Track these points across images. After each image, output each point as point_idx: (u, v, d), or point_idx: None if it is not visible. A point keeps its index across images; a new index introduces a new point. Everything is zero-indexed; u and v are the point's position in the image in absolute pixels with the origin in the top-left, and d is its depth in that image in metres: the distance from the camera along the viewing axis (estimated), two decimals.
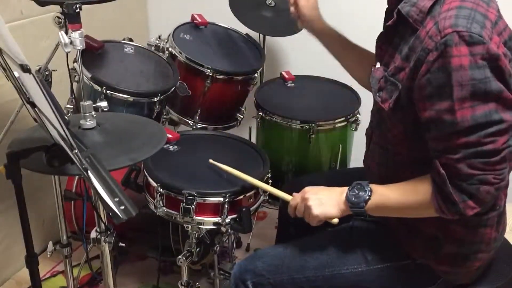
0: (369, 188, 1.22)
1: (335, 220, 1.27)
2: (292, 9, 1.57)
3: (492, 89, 1.04)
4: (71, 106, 1.70)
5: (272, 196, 1.72)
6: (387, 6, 1.28)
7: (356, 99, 2.06)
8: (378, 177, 1.33)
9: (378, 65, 1.28)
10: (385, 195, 1.21)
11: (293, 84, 2.21)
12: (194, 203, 1.49)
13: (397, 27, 1.20)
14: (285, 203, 1.73)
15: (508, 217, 1.89)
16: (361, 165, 1.49)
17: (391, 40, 1.23)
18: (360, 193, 1.22)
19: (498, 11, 1.14)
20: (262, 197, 1.66)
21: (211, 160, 1.59)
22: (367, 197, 1.21)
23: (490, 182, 1.08)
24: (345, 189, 1.26)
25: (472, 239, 1.24)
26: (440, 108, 1.07)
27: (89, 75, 1.67)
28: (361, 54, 1.55)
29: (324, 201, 1.26)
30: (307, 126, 1.94)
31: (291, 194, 1.37)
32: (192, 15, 2.13)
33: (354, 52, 1.57)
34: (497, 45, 1.05)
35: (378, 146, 1.34)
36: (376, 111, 1.31)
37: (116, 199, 0.89)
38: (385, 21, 1.28)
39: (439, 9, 1.10)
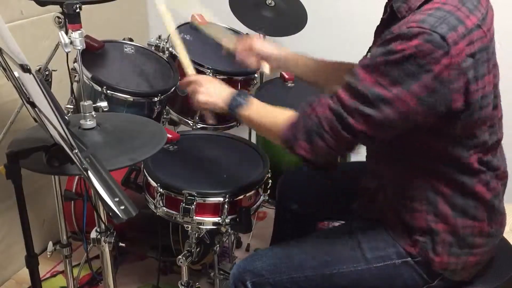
0: (246, 98, 1.33)
1: (210, 118, 1.52)
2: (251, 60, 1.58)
3: (404, 84, 1.06)
4: (71, 106, 1.70)
5: (271, 196, 1.73)
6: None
7: None
8: (371, 171, 1.36)
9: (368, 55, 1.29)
10: (254, 110, 1.32)
11: (293, 84, 2.21)
12: (194, 203, 1.49)
13: (389, 22, 1.22)
14: (280, 202, 1.74)
15: (508, 217, 1.90)
16: (362, 159, 1.48)
17: (382, 33, 1.24)
18: (239, 99, 1.34)
19: (482, 20, 1.13)
20: (262, 197, 1.66)
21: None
22: (241, 103, 1.33)
23: (327, 143, 1.16)
24: (233, 91, 1.38)
25: (464, 231, 1.24)
26: (363, 62, 1.13)
27: (89, 75, 1.67)
28: (340, 68, 1.56)
29: (212, 93, 1.39)
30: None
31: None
32: (192, 15, 2.13)
33: (341, 72, 1.58)
34: (458, 52, 1.06)
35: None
36: None
37: (116, 199, 0.89)
38: (383, 15, 1.29)
39: (423, 7, 1.12)
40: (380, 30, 1.28)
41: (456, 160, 1.19)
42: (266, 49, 1.57)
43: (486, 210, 1.25)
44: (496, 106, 1.22)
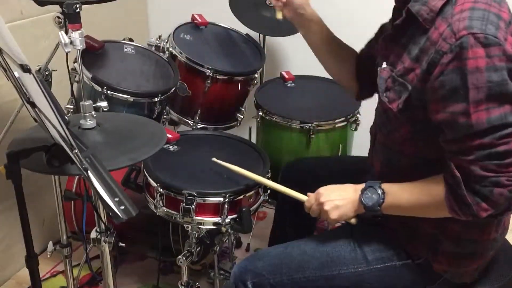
0: (381, 191, 1.22)
1: (353, 221, 1.30)
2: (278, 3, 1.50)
3: (508, 91, 1.04)
4: (71, 106, 1.70)
5: (271, 196, 1.72)
6: (394, 4, 1.26)
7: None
8: (381, 176, 1.33)
9: (384, 65, 1.26)
10: (398, 196, 1.22)
11: (293, 84, 2.21)
12: (194, 203, 1.49)
13: (405, 27, 1.19)
14: (282, 203, 1.74)
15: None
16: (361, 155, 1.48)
17: (399, 39, 1.21)
18: (374, 196, 1.23)
19: (509, 10, 1.13)
20: (262, 197, 1.66)
21: (214, 159, 1.58)
22: (381, 200, 1.22)
23: (503, 184, 1.07)
24: (358, 188, 1.27)
25: (470, 239, 1.24)
26: (455, 111, 1.07)
27: (90, 75, 1.67)
28: (343, 49, 1.55)
29: (340, 204, 1.27)
30: (307, 126, 1.94)
31: (304, 194, 1.39)
32: (192, 15, 2.13)
33: (337, 46, 1.55)
34: (511, 46, 1.05)
35: (383, 145, 1.34)
36: (382, 111, 1.30)
37: (116, 199, 0.89)
38: (393, 19, 1.26)
39: (451, 10, 1.09)
40: (396, 37, 1.23)
41: None
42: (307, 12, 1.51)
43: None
44: None
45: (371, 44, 1.50)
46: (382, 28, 1.45)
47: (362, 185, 1.26)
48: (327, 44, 1.54)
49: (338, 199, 1.28)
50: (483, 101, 1.04)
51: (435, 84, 1.09)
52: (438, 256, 1.25)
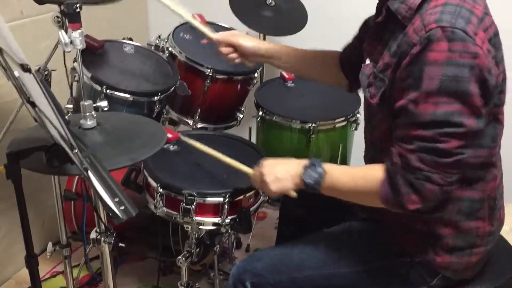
0: (321, 170, 1.24)
1: (293, 194, 1.31)
2: (232, 55, 1.57)
3: (462, 90, 1.04)
4: (71, 106, 1.70)
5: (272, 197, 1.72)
6: (378, 2, 1.27)
7: (356, 99, 2.06)
8: None
9: (367, 61, 1.28)
10: (337, 178, 1.23)
11: (293, 84, 2.21)
12: (194, 203, 1.49)
13: (386, 24, 1.21)
14: (286, 203, 1.74)
15: (508, 217, 1.90)
16: (361, 164, 1.49)
17: (381, 37, 1.23)
18: (314, 174, 1.24)
19: (485, 7, 1.15)
20: (262, 197, 1.65)
21: (181, 136, 1.61)
22: (320, 179, 1.23)
23: (435, 182, 1.09)
24: (301, 164, 1.27)
25: (466, 233, 1.24)
26: (409, 98, 1.08)
27: (89, 75, 1.67)
28: (321, 59, 1.58)
29: (280, 177, 1.28)
30: (307, 126, 1.94)
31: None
32: (192, 15, 2.13)
33: (313, 60, 1.60)
34: (482, 41, 1.06)
35: (370, 143, 1.36)
36: (366, 107, 1.32)
37: (116, 199, 0.89)
38: (375, 17, 1.28)
39: (427, 6, 1.11)
40: (377, 35, 1.25)
41: (483, 151, 1.18)
42: (245, 44, 1.56)
43: (487, 208, 1.24)
44: (503, 91, 1.20)
45: (354, 39, 1.53)
46: (366, 23, 1.47)
47: (306, 161, 1.27)
48: (301, 63, 1.58)
49: (280, 172, 1.29)
50: (433, 94, 1.05)
51: (403, 74, 1.10)
52: (436, 253, 1.25)
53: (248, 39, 1.58)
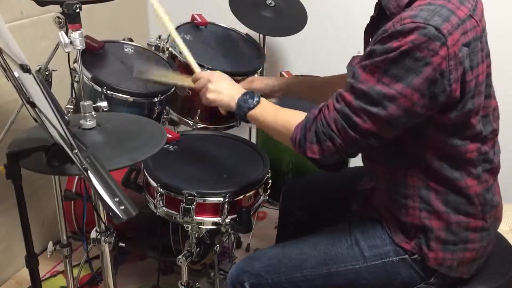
0: (257, 100, 1.35)
1: (222, 111, 1.47)
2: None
3: (407, 80, 1.07)
4: (71, 106, 1.70)
5: (272, 196, 1.73)
6: None
7: None
8: (367, 173, 1.39)
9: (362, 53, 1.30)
10: (265, 111, 1.34)
11: None
12: (194, 203, 1.49)
13: (379, 20, 1.23)
14: (285, 206, 1.74)
15: (508, 217, 1.90)
16: (361, 164, 1.49)
17: (375, 31, 1.25)
18: (249, 100, 1.35)
19: (475, 10, 1.15)
20: (262, 197, 1.66)
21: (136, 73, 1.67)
22: (252, 106, 1.34)
23: (335, 144, 1.18)
24: (243, 90, 1.39)
25: (456, 226, 1.24)
26: (362, 64, 1.13)
27: (89, 75, 1.67)
28: (332, 82, 1.58)
29: (222, 90, 1.40)
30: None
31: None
32: (192, 15, 2.13)
33: (324, 84, 1.63)
34: (454, 43, 1.07)
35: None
36: None
37: (116, 199, 0.89)
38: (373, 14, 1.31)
39: (413, 4, 1.13)
40: (371, 29, 1.29)
41: (451, 152, 1.19)
42: (267, 86, 1.64)
43: (478, 204, 1.25)
44: (490, 96, 1.22)
45: None
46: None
47: (248, 90, 1.38)
48: (313, 92, 1.63)
49: (224, 87, 1.40)
50: (381, 70, 1.09)
51: (367, 48, 1.15)
52: (429, 243, 1.25)
53: (260, 81, 1.66)
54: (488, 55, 1.20)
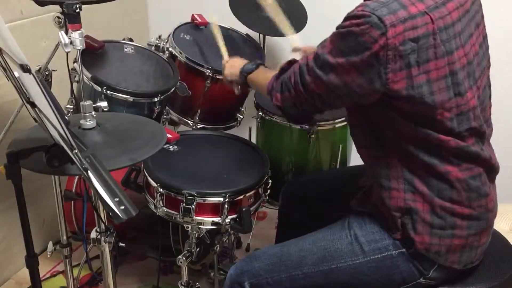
0: (254, 66, 1.57)
1: (236, 91, 1.68)
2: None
3: (346, 56, 1.16)
4: (71, 106, 1.70)
5: (272, 196, 1.73)
6: None
7: None
8: (367, 164, 1.40)
9: None
10: (259, 73, 1.55)
11: None
12: (194, 203, 1.49)
13: None
14: (284, 204, 1.75)
15: (508, 217, 1.90)
16: (362, 163, 1.49)
17: None
18: (249, 67, 1.58)
19: (434, 8, 1.15)
20: (262, 197, 1.66)
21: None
22: (250, 70, 1.57)
23: (291, 95, 1.32)
24: (247, 61, 1.63)
25: (441, 211, 1.25)
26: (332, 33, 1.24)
27: (89, 75, 1.67)
28: None
29: (235, 65, 1.64)
30: (307, 126, 1.94)
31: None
32: (192, 15, 2.13)
33: None
34: (395, 35, 1.10)
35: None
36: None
37: (116, 199, 0.89)
38: None
39: None
40: None
41: (425, 139, 1.21)
42: None
43: (462, 190, 1.24)
44: (460, 94, 1.21)
45: None
46: None
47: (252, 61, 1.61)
48: None
49: (236, 63, 1.65)
50: (334, 43, 1.21)
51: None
52: (416, 226, 1.25)
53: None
54: (450, 52, 1.18)
